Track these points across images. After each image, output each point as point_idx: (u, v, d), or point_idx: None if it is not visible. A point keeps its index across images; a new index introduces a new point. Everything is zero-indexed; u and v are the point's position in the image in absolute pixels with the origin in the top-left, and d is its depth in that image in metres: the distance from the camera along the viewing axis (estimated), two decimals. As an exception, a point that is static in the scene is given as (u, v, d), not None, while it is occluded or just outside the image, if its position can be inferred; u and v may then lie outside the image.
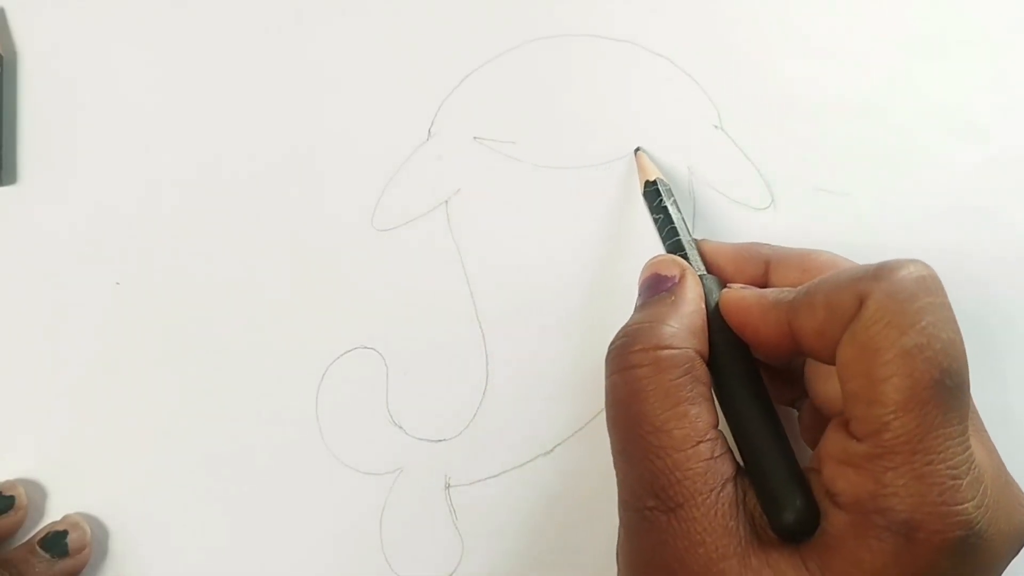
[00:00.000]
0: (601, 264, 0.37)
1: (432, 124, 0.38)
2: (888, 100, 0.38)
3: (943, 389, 0.25)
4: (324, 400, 0.37)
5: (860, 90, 0.38)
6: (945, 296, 0.26)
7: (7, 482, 0.36)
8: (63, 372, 0.37)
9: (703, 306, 0.31)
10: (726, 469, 0.27)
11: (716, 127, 0.38)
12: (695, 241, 0.34)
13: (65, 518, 0.36)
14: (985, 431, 0.28)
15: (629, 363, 0.28)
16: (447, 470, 0.36)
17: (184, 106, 0.38)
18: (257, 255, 0.38)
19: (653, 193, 0.35)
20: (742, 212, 0.37)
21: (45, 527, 0.36)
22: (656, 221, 0.35)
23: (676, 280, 0.31)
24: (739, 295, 0.30)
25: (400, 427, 0.36)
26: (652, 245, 0.37)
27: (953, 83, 0.38)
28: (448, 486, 0.36)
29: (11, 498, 0.35)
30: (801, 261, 0.32)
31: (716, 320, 0.30)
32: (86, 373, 0.37)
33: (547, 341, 0.37)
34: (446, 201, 0.38)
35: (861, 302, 0.26)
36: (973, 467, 0.25)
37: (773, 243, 0.34)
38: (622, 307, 0.37)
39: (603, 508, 0.36)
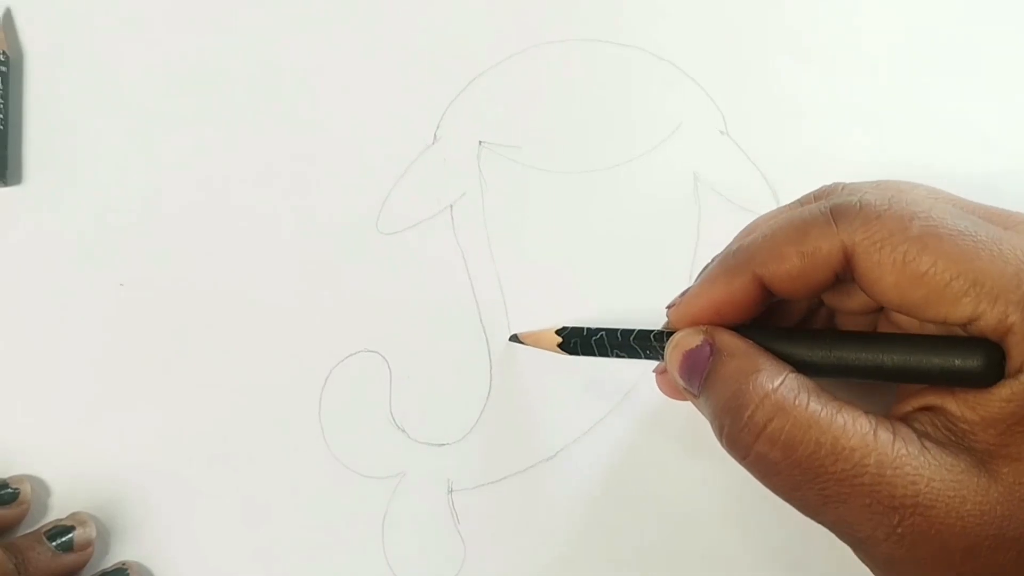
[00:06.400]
0: (605, 268, 0.37)
1: (438, 128, 0.38)
2: (893, 108, 0.38)
3: (970, 233, 0.25)
4: (327, 403, 0.37)
5: (865, 97, 0.38)
6: (889, 192, 0.27)
7: (16, 476, 0.36)
8: (66, 372, 0.37)
9: (751, 343, 0.28)
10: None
11: (722, 132, 0.38)
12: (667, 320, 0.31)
13: (73, 515, 0.36)
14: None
15: (756, 427, 0.26)
16: (450, 474, 0.36)
17: (189, 108, 0.38)
18: (261, 257, 0.38)
19: (573, 332, 0.33)
20: (747, 217, 0.37)
21: (52, 521, 0.36)
22: (600, 344, 0.32)
23: (709, 345, 0.28)
24: (688, 299, 0.29)
25: (403, 431, 0.36)
26: (656, 250, 0.37)
27: (958, 91, 0.38)
28: (451, 490, 0.36)
29: (16, 491, 0.36)
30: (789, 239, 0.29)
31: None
32: (89, 374, 0.37)
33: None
34: (451, 205, 0.38)
35: (845, 252, 0.26)
36: None
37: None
38: (625, 310, 0.37)
39: (606, 513, 0.36)
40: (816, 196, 0.30)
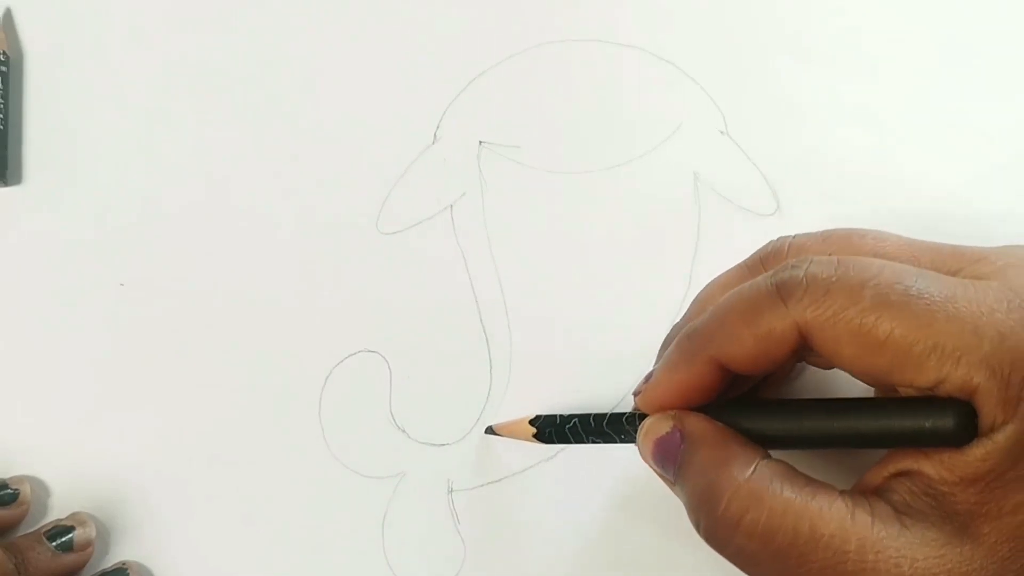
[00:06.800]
0: (605, 268, 0.37)
1: (438, 128, 0.38)
2: (894, 107, 0.38)
3: (919, 292, 0.25)
4: (327, 403, 0.37)
5: (866, 97, 0.38)
6: (835, 257, 0.26)
7: (16, 477, 0.36)
8: (66, 372, 0.37)
9: (721, 427, 0.28)
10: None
11: (722, 133, 0.38)
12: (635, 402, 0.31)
13: (73, 515, 0.36)
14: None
15: (732, 520, 0.26)
16: (450, 474, 0.36)
17: (189, 107, 0.38)
18: (261, 256, 0.38)
19: (547, 421, 0.33)
20: (747, 218, 0.37)
21: (52, 521, 0.36)
22: (574, 431, 0.32)
23: (679, 433, 0.28)
24: (652, 387, 0.29)
25: (403, 431, 0.36)
26: (656, 251, 0.37)
27: (960, 90, 0.38)
28: (451, 490, 0.36)
29: (16, 492, 0.36)
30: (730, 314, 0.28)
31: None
32: (89, 374, 0.37)
33: (551, 346, 0.37)
34: (451, 205, 0.38)
35: (799, 330, 0.26)
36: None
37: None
38: (626, 311, 0.37)
39: (605, 513, 0.36)
40: (763, 258, 0.30)
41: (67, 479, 0.37)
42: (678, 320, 0.32)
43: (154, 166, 0.38)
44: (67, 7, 0.39)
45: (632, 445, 0.30)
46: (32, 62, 0.39)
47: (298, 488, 0.36)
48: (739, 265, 0.31)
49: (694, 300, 0.32)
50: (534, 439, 0.34)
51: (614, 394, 0.36)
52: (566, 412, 0.33)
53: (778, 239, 0.30)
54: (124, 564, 0.36)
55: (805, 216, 0.37)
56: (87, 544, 0.35)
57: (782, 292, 0.26)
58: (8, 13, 0.39)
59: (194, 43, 0.39)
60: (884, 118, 0.38)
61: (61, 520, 0.36)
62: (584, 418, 0.32)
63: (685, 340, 0.28)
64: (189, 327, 0.37)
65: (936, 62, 0.38)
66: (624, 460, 0.36)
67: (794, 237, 0.30)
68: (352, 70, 0.38)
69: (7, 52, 0.38)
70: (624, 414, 0.31)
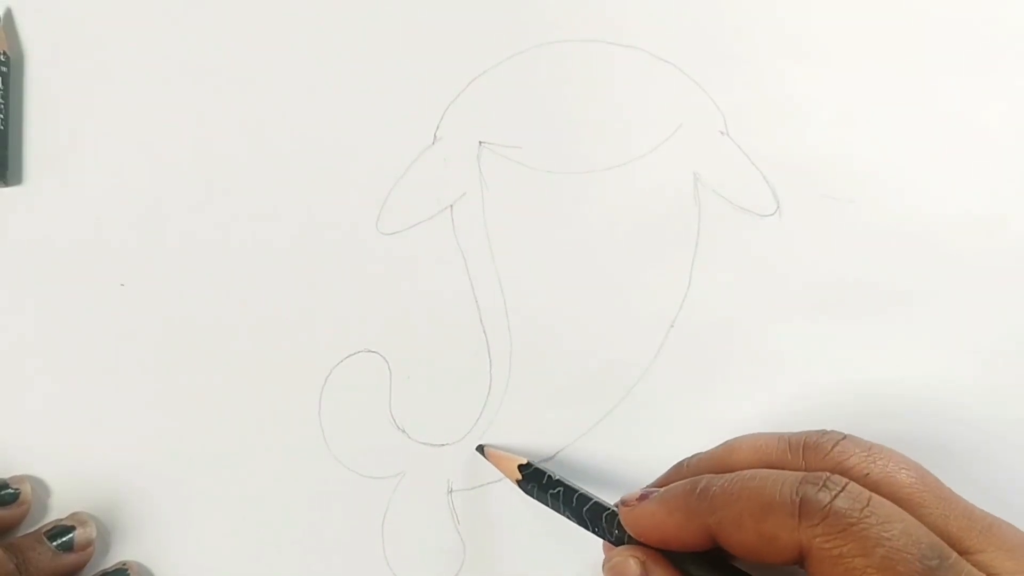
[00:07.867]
0: (605, 268, 0.37)
1: (438, 128, 0.38)
2: (895, 107, 0.38)
3: (929, 571, 0.24)
4: (327, 403, 0.37)
5: (867, 97, 0.38)
6: (867, 494, 0.26)
7: (16, 476, 0.36)
8: (66, 372, 0.37)
9: None
10: None
11: (722, 133, 0.38)
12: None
13: (73, 515, 0.36)
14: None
15: None
16: (450, 475, 0.36)
17: (190, 108, 0.38)
18: (261, 257, 0.38)
19: (535, 474, 0.34)
20: (748, 219, 0.37)
21: (52, 521, 0.36)
22: (555, 499, 0.33)
23: None
24: (644, 514, 0.29)
25: (403, 431, 0.37)
26: (656, 252, 0.37)
27: (961, 91, 0.38)
28: (451, 491, 0.36)
29: (17, 492, 0.36)
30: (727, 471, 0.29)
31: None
32: (89, 374, 0.37)
33: (551, 346, 0.37)
34: (451, 205, 0.38)
35: (801, 550, 0.25)
36: None
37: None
38: (626, 311, 0.37)
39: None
40: (805, 445, 0.29)
41: (67, 479, 0.37)
42: (703, 452, 0.32)
43: (154, 166, 0.38)
44: (67, 7, 0.39)
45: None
46: (32, 62, 0.39)
47: (298, 488, 0.36)
48: (780, 437, 0.30)
49: (725, 443, 0.31)
50: (516, 484, 0.34)
51: (612, 391, 0.36)
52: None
53: (828, 433, 0.29)
54: (124, 564, 0.36)
55: (805, 216, 0.37)
56: (87, 544, 0.36)
57: (802, 509, 0.26)
58: (8, 13, 0.39)
59: (194, 43, 0.39)
60: (884, 118, 0.38)
61: (61, 520, 0.36)
62: (569, 492, 0.32)
63: (694, 496, 0.28)
64: (189, 327, 0.37)
65: (937, 62, 0.38)
66: (623, 461, 0.36)
67: (844, 438, 0.29)
68: (352, 70, 0.38)
69: (7, 52, 0.38)
70: (606, 509, 0.31)
